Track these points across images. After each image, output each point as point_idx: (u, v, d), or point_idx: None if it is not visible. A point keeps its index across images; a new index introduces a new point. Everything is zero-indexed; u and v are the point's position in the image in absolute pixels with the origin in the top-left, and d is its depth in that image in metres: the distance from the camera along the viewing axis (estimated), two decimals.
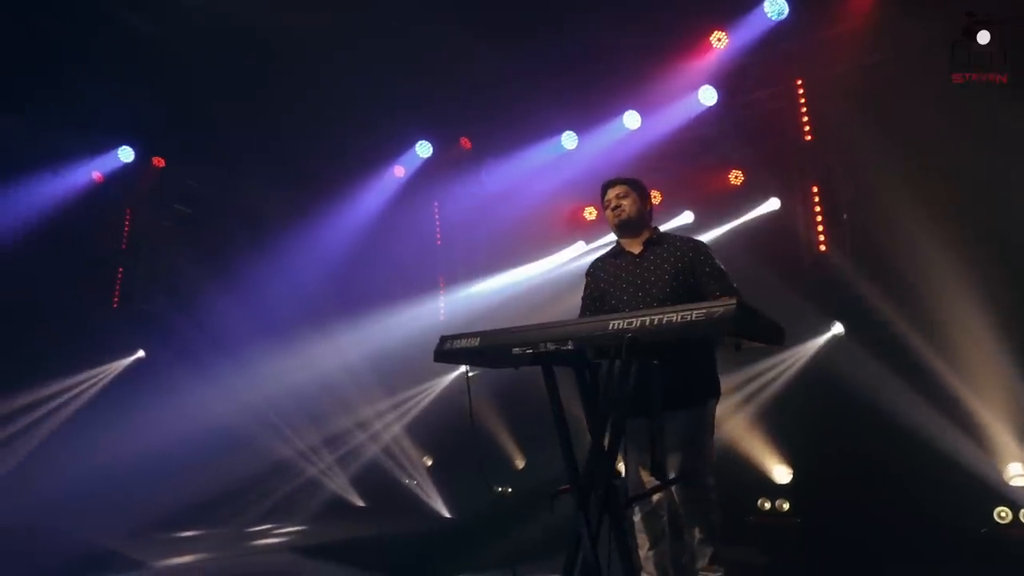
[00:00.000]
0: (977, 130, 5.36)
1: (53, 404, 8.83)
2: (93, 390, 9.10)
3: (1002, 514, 5.53)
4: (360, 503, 9.44)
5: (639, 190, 3.91)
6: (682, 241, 3.83)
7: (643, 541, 3.59)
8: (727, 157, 7.64)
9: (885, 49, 5.94)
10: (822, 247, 6.36)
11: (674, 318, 2.68)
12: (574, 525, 2.82)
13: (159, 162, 9.31)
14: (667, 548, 3.56)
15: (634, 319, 2.76)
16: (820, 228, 6.37)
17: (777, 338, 2.93)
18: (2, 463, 8.24)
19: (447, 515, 8.60)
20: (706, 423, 3.59)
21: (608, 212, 3.89)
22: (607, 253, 3.98)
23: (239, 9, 7.13)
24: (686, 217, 7.98)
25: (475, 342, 3.18)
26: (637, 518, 3.60)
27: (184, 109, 8.38)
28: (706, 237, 7.57)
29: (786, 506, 6.55)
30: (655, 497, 3.58)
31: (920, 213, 5.67)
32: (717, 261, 3.74)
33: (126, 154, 9.11)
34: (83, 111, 8.25)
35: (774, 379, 6.65)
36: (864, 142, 6.01)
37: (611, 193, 3.88)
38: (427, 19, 7.41)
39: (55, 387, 8.80)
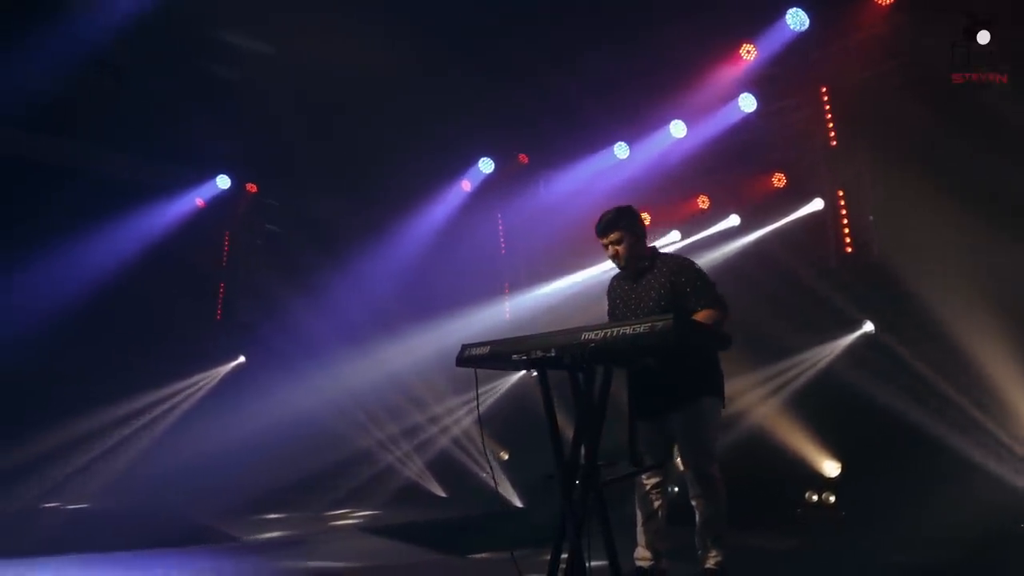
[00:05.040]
0: (991, 129, 5.46)
1: (169, 404, 10.09)
2: (202, 392, 10.32)
3: None
4: (436, 492, 10.19)
5: (629, 228, 4.17)
6: (669, 265, 4.18)
7: (639, 516, 4.14)
8: (769, 161, 7.90)
9: (903, 54, 6.09)
10: (848, 248, 6.60)
11: (628, 331, 3.19)
12: (560, 509, 3.32)
13: (252, 188, 10.42)
14: (659, 526, 4.08)
15: (600, 331, 3.28)
16: (846, 230, 6.62)
17: (723, 345, 3.43)
18: (128, 453, 9.53)
19: (519, 505, 9.19)
20: (703, 420, 4.02)
21: (609, 256, 4.27)
22: (619, 273, 4.40)
23: (313, 54, 7.98)
24: (732, 220, 8.27)
25: (485, 350, 3.76)
26: (635, 497, 4.17)
27: (271, 140, 9.36)
28: (751, 238, 7.99)
29: (832, 499, 6.78)
30: (648, 482, 4.11)
31: (946, 214, 5.80)
32: (701, 277, 4.11)
33: (223, 182, 10.24)
34: (186, 147, 9.40)
35: (804, 373, 6.92)
36: (889, 145, 6.21)
37: (604, 241, 4.23)
38: (486, 49, 8.09)
39: (170, 390, 10.07)
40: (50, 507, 8.56)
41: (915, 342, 6.13)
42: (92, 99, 8.52)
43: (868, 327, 6.66)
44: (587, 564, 3.17)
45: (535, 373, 3.61)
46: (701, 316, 3.93)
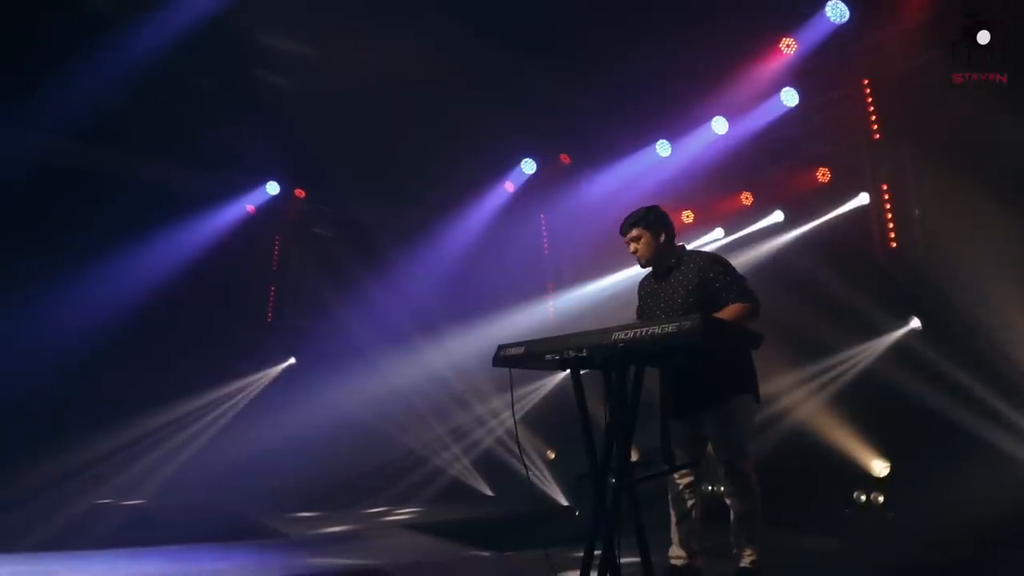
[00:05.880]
0: None
1: (224, 405, 10.41)
2: (254, 393, 10.62)
3: None
4: (482, 490, 10.31)
5: (651, 226, 4.21)
6: (697, 261, 4.19)
7: (672, 516, 4.16)
8: (813, 155, 7.80)
9: (943, 44, 5.92)
10: (892, 243, 6.47)
11: (656, 331, 3.21)
12: (594, 506, 3.36)
13: (300, 193, 10.70)
14: (693, 525, 4.09)
15: (629, 331, 3.31)
16: (890, 225, 6.50)
17: (753, 343, 3.41)
18: (183, 453, 9.85)
19: (564, 503, 9.22)
20: (735, 418, 4.02)
21: (631, 253, 4.30)
22: (648, 272, 4.44)
23: (357, 60, 8.16)
24: (776, 216, 8.20)
25: (520, 350, 3.81)
26: (669, 496, 4.18)
27: (318, 146, 9.57)
28: (794, 234, 7.89)
29: (880, 499, 6.64)
30: (681, 481, 4.12)
31: (993, 208, 5.67)
32: (729, 271, 4.12)
33: (273, 188, 10.52)
34: (237, 154, 9.67)
35: (850, 370, 6.81)
36: (934, 138, 6.08)
37: (626, 239, 4.26)
38: (526, 51, 8.14)
39: (224, 391, 10.39)
40: (107, 503, 8.87)
41: (964, 338, 5.99)
42: (145, 109, 8.84)
43: (915, 323, 6.52)
44: (619, 561, 3.21)
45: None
46: (731, 310, 3.92)
